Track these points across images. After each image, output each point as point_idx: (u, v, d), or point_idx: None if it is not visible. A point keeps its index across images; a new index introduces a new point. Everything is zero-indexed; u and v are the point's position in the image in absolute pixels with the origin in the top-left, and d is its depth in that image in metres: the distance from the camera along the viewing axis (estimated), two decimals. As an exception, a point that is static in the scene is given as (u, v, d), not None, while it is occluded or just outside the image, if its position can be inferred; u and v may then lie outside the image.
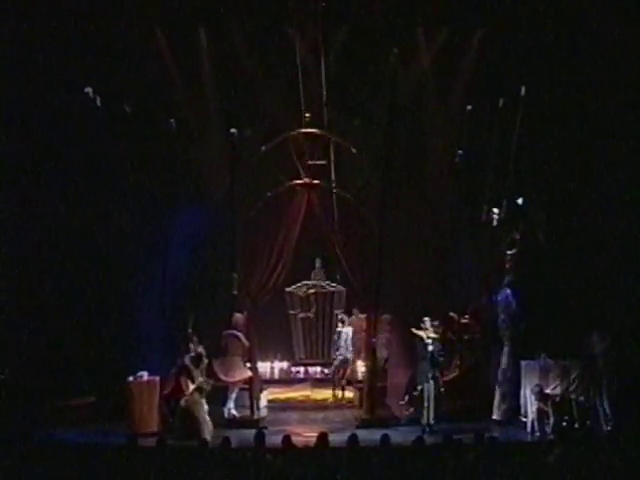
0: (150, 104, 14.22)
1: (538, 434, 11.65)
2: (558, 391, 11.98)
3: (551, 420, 11.58)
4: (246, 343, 13.00)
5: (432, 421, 12.05)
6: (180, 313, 13.74)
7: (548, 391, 11.92)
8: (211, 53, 14.91)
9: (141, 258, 14.18)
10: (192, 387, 11.96)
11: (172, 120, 14.07)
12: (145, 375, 12.42)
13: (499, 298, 13.11)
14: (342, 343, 14.76)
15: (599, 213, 13.89)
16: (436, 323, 12.68)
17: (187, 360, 12.23)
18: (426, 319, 12.59)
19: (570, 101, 13.94)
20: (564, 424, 11.54)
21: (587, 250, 13.87)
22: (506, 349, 12.82)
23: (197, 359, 12.21)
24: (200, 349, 12.41)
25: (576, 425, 11.62)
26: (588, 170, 13.97)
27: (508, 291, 13.07)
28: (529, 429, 11.79)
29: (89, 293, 13.76)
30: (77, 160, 13.71)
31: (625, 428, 11.22)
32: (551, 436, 11.32)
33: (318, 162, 13.39)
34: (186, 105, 14.88)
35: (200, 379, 12.04)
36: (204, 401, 11.95)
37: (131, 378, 12.35)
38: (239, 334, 12.99)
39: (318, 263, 16.22)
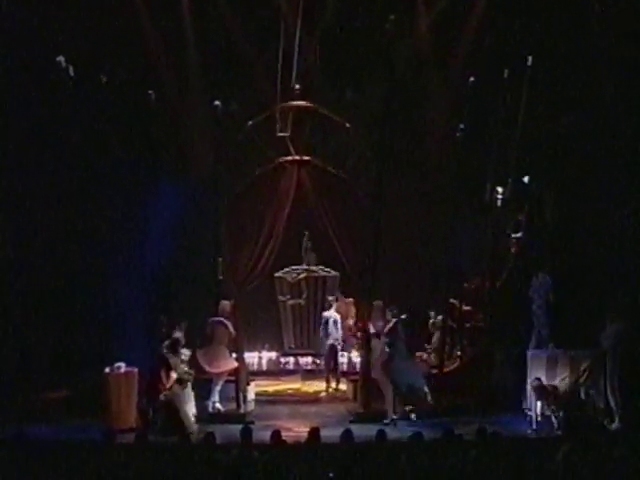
0: (128, 74, 14.06)
1: (541, 429, 11.64)
2: (566, 383, 11.99)
3: (553, 414, 11.56)
4: (233, 332, 12.95)
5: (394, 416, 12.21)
6: (161, 300, 13.69)
7: (556, 383, 11.92)
8: (194, 20, 14.74)
9: (118, 240, 14.07)
10: (173, 378, 11.89)
11: (151, 92, 13.92)
12: (123, 366, 12.33)
13: (535, 282, 13.05)
14: (330, 329, 14.70)
15: (612, 193, 13.84)
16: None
17: (164, 349, 12.15)
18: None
19: (580, 71, 13.85)
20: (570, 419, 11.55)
21: (598, 233, 13.83)
22: (537, 336, 12.79)
23: (174, 345, 12.10)
24: (177, 334, 12.29)
25: (587, 420, 11.63)
26: (600, 146, 13.88)
27: (547, 277, 13.01)
28: (534, 425, 11.77)
29: (62, 278, 13.66)
30: (48, 135, 13.55)
31: (636, 423, 11.25)
32: (558, 431, 11.32)
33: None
34: (167, 76, 14.72)
35: (180, 369, 11.97)
36: (191, 392, 11.93)
37: (108, 370, 12.27)
38: (226, 322, 12.94)
39: (309, 246, 16.18)
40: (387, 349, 12.56)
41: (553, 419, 11.55)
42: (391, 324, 12.62)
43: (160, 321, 12.86)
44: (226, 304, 13.10)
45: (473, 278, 14.35)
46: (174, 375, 11.89)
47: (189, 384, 12.02)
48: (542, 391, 11.72)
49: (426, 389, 12.46)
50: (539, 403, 11.72)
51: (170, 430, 11.22)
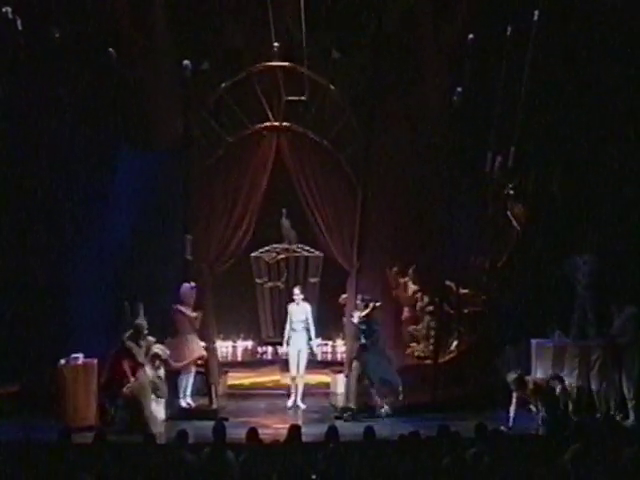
0: (84, 28, 13.85)
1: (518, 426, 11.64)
2: (575, 375, 12.02)
3: (540, 411, 11.57)
4: (191, 315, 12.81)
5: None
6: (123, 284, 13.60)
7: (563, 375, 11.95)
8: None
9: (74, 216, 13.94)
10: (141, 369, 11.83)
11: (111, 49, 13.75)
12: (80, 358, 12.27)
13: (582, 262, 13.06)
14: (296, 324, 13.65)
15: (627, 162, 13.82)
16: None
17: (125, 337, 12.05)
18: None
19: (593, 28, 13.80)
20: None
21: (611, 207, 13.84)
22: (581, 323, 12.81)
23: (136, 333, 12.00)
24: (139, 320, 12.18)
25: (598, 415, 11.68)
26: (614, 109, 13.86)
27: (594, 256, 12.99)
28: (510, 422, 11.72)
29: (11, 260, 13.51)
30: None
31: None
32: (539, 429, 11.39)
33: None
34: (129, 31, 14.53)
35: (157, 347, 11.94)
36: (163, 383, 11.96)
37: (63, 361, 12.21)
38: (182, 308, 12.85)
39: (288, 223, 16.14)
40: (362, 339, 12.62)
41: (540, 416, 11.57)
42: (367, 311, 12.71)
43: (123, 308, 12.76)
44: (186, 287, 12.96)
45: (473, 258, 14.33)
46: (143, 358, 11.81)
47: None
48: (521, 385, 11.71)
49: (399, 385, 12.55)
50: (517, 398, 11.72)
51: (131, 428, 11.18)
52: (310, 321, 13.51)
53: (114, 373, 11.99)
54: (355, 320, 12.84)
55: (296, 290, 13.76)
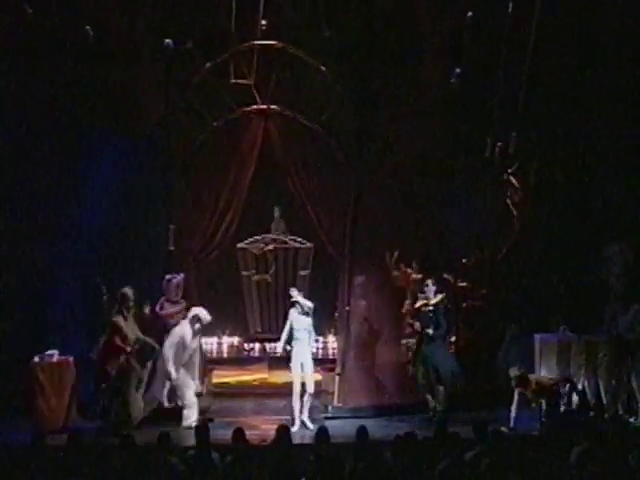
0: (60, 5, 13.72)
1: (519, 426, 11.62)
2: (582, 373, 12.01)
3: (541, 411, 11.56)
4: (161, 313, 12.79)
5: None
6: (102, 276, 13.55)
7: (569, 373, 11.95)
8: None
9: (50, 205, 13.91)
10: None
11: (88, 27, 13.64)
12: (55, 354, 12.26)
13: (612, 252, 13.03)
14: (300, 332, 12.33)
15: (632, 147, 13.79)
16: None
17: (114, 315, 11.90)
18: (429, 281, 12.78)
19: (597, 9, 13.76)
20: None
21: (616, 194, 13.81)
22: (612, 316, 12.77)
23: (122, 303, 11.82)
24: (125, 289, 12.00)
25: (606, 415, 11.68)
26: (619, 94, 13.83)
27: (624, 245, 12.98)
28: (512, 422, 11.70)
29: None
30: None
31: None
32: (536, 430, 11.39)
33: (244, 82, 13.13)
34: (107, 8, 14.40)
35: (198, 309, 11.91)
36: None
37: (37, 358, 12.19)
38: (158, 305, 12.85)
39: (277, 212, 16.09)
40: (430, 330, 12.41)
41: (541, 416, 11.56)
42: (437, 299, 12.60)
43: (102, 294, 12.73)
44: (164, 280, 12.92)
45: (473, 249, 14.32)
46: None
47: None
48: (523, 382, 11.68)
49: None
50: (519, 395, 11.72)
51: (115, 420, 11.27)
52: (312, 328, 12.34)
53: (109, 352, 11.79)
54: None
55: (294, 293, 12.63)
